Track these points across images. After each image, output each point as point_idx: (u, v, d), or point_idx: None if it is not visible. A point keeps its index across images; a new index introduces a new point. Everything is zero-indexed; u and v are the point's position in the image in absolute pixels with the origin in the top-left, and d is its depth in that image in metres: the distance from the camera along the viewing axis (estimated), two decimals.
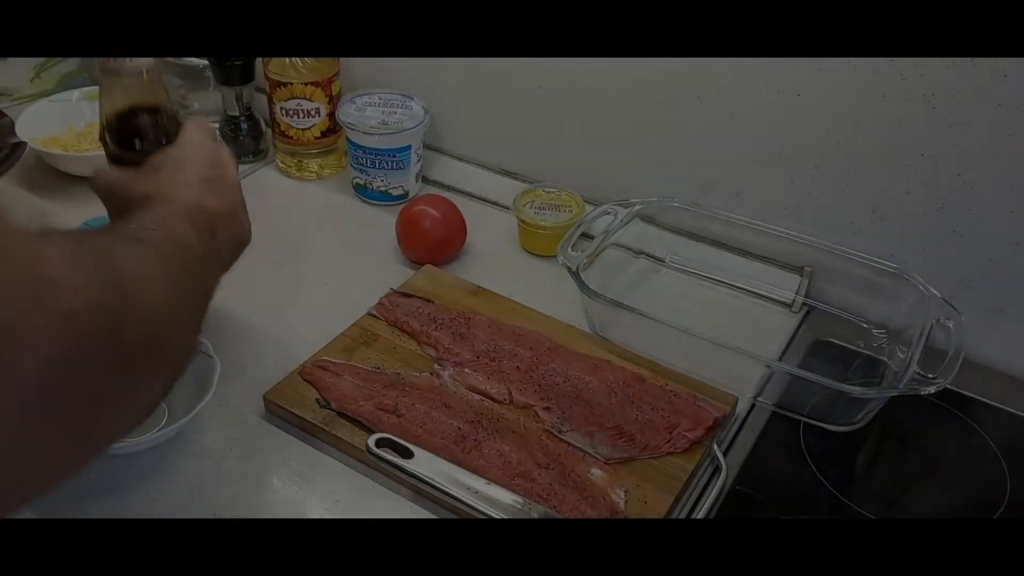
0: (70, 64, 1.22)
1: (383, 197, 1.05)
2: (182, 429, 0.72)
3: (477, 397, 0.77)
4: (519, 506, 0.63)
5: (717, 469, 0.73)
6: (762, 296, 0.93)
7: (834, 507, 0.72)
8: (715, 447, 0.75)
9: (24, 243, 0.36)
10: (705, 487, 0.72)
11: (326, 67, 1.04)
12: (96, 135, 1.07)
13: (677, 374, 0.80)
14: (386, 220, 1.01)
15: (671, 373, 0.80)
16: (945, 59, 0.75)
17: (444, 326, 0.84)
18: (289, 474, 0.72)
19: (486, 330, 0.83)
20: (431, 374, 0.79)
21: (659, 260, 0.97)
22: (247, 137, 1.11)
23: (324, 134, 1.08)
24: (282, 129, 1.07)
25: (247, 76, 1.07)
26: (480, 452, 0.71)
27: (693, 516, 0.70)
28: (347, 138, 1.04)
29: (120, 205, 0.62)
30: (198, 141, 0.65)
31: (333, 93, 1.06)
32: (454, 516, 0.68)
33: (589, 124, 0.99)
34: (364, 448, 0.65)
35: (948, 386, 0.72)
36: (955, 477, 0.76)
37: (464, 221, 0.96)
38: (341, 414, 0.75)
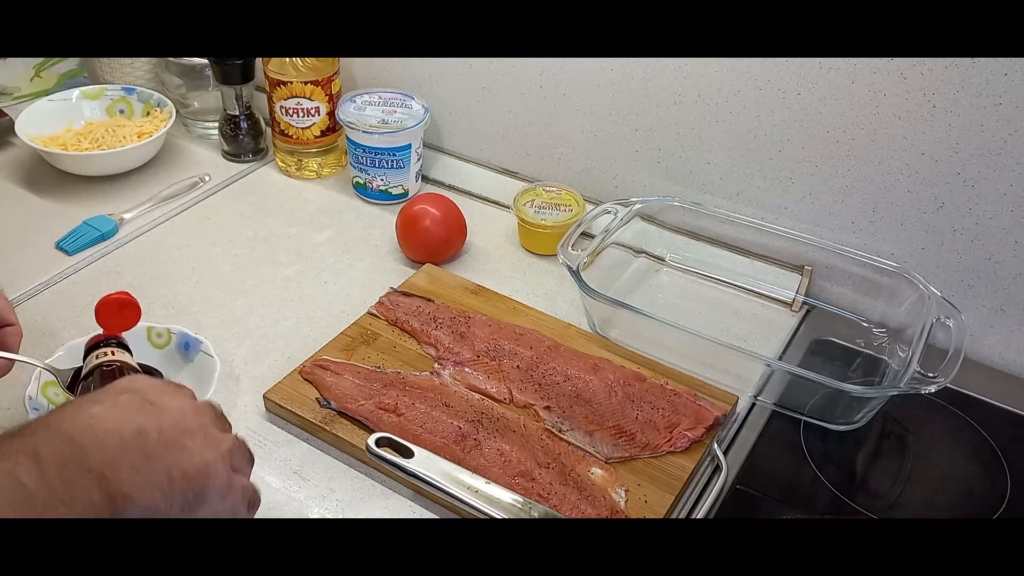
0: (70, 63, 1.22)
1: (383, 196, 1.05)
2: None
3: (477, 396, 0.77)
4: (519, 505, 0.63)
5: (717, 468, 0.74)
6: (762, 295, 0.93)
7: (834, 506, 0.72)
8: (715, 446, 0.75)
9: None
10: (705, 486, 0.72)
11: (326, 66, 1.04)
12: (95, 134, 1.08)
13: (677, 373, 0.80)
14: (386, 219, 1.02)
15: (671, 372, 0.80)
16: (945, 59, 0.76)
17: (444, 325, 0.84)
18: (289, 473, 0.72)
19: (486, 329, 0.83)
20: (431, 373, 0.79)
21: (659, 259, 0.97)
22: (247, 136, 1.11)
23: (324, 133, 1.08)
24: (282, 128, 1.07)
25: (247, 75, 1.07)
26: (480, 451, 0.71)
27: (693, 515, 0.70)
28: (347, 137, 1.04)
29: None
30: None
31: (333, 92, 1.06)
32: (454, 515, 0.69)
33: (589, 123, 0.99)
34: (364, 447, 0.64)
35: (948, 385, 0.72)
36: (955, 477, 0.76)
37: (464, 220, 0.96)
38: (341, 413, 0.75)
